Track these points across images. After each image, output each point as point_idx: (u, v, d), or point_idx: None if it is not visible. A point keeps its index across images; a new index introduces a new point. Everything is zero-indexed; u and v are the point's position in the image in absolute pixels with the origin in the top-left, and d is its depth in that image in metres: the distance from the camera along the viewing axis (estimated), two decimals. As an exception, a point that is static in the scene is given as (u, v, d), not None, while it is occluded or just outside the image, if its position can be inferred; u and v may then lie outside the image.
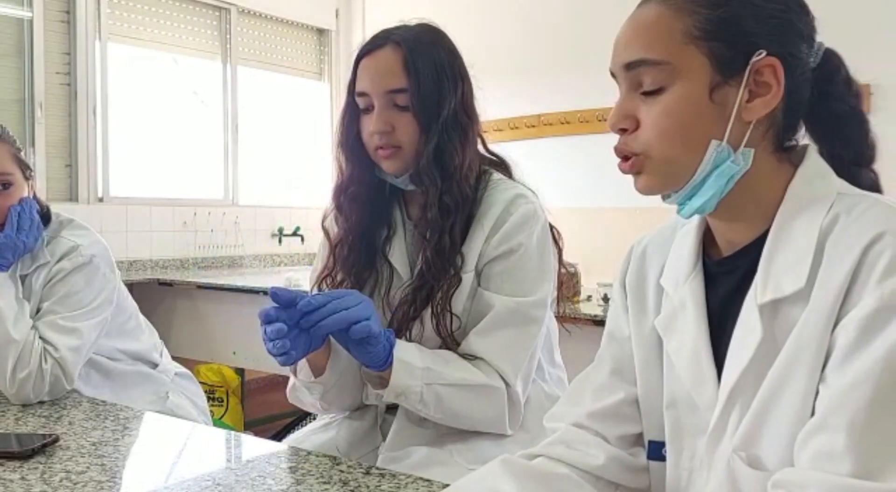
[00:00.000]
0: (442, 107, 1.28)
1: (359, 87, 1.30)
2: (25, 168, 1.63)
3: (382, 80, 1.27)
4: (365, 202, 1.35)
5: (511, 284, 1.28)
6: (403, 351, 1.22)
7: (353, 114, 1.33)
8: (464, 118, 1.31)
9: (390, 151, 1.28)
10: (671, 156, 0.79)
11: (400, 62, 1.27)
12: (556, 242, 1.37)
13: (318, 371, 1.28)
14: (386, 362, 1.20)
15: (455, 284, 1.27)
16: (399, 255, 1.35)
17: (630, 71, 0.81)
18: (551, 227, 1.36)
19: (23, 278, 1.59)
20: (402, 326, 1.31)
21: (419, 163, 1.28)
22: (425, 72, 1.28)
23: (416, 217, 1.36)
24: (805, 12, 0.81)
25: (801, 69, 0.80)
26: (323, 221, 1.44)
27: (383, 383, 1.22)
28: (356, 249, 1.36)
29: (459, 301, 1.28)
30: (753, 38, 0.77)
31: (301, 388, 1.32)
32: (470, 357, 1.28)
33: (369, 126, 1.28)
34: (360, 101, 1.30)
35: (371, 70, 1.29)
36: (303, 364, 1.28)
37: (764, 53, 0.77)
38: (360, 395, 1.37)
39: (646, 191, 0.83)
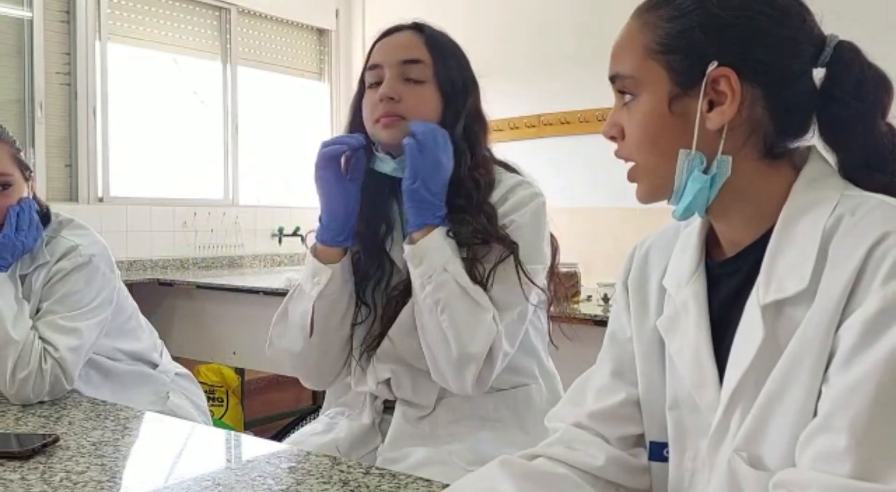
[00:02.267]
0: (468, 93, 1.34)
1: (371, 61, 1.32)
2: (25, 169, 1.62)
3: (397, 52, 1.31)
4: (363, 200, 1.35)
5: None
6: (444, 234, 1.26)
7: (360, 102, 1.35)
8: (482, 116, 1.37)
9: (391, 120, 1.29)
10: (649, 164, 0.83)
11: (421, 41, 1.32)
12: (551, 245, 1.36)
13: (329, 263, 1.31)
14: (436, 217, 1.25)
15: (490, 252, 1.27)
16: (399, 250, 1.35)
17: (613, 84, 0.85)
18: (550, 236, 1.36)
19: (22, 278, 1.58)
20: (394, 313, 1.32)
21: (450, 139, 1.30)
22: (448, 54, 1.33)
23: None
24: (786, 15, 0.80)
25: (780, 74, 0.79)
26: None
27: (413, 241, 1.26)
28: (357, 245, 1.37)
29: None
30: (706, 48, 0.79)
31: (297, 296, 1.34)
32: None
33: (374, 97, 1.30)
34: (370, 76, 1.32)
35: (388, 45, 1.33)
36: (310, 265, 1.32)
37: (716, 63, 0.78)
38: (343, 357, 1.38)
39: (641, 199, 0.87)
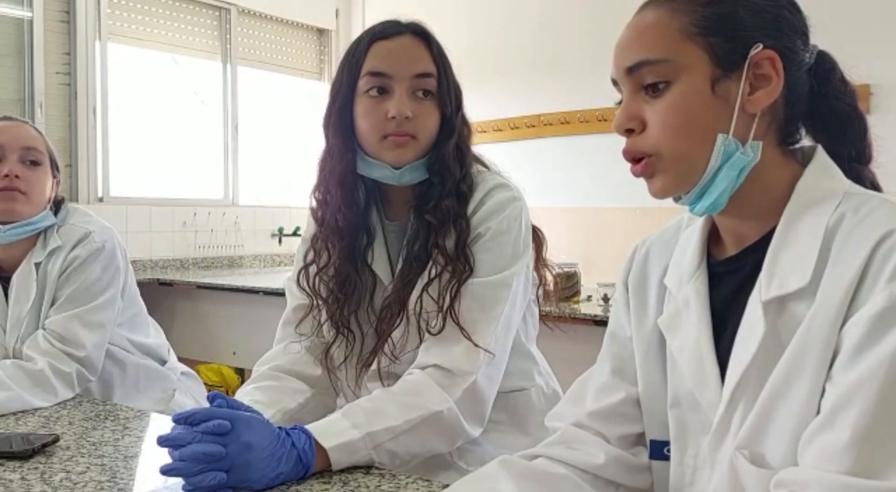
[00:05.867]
0: (461, 102, 1.28)
1: (374, 67, 1.22)
2: (54, 166, 1.66)
3: (411, 64, 1.22)
4: (345, 224, 1.28)
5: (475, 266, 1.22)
6: (331, 434, 1.04)
7: (348, 106, 1.25)
8: (468, 121, 1.31)
9: (404, 140, 1.22)
10: (681, 152, 0.80)
11: (425, 49, 1.24)
12: (537, 237, 1.32)
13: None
14: (307, 470, 1.00)
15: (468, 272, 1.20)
16: (380, 260, 1.30)
17: (632, 74, 0.82)
18: (534, 228, 1.32)
19: (37, 266, 1.59)
20: (386, 331, 1.25)
21: (440, 154, 1.24)
22: (448, 64, 1.27)
23: (402, 214, 1.30)
24: (796, 9, 0.83)
25: (798, 64, 0.82)
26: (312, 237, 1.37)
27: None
28: (342, 272, 1.29)
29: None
30: (750, 31, 0.79)
31: None
32: (416, 370, 1.18)
33: (386, 109, 1.21)
34: (372, 82, 1.22)
35: (395, 53, 1.22)
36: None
37: (761, 46, 0.79)
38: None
39: (661, 193, 0.83)
